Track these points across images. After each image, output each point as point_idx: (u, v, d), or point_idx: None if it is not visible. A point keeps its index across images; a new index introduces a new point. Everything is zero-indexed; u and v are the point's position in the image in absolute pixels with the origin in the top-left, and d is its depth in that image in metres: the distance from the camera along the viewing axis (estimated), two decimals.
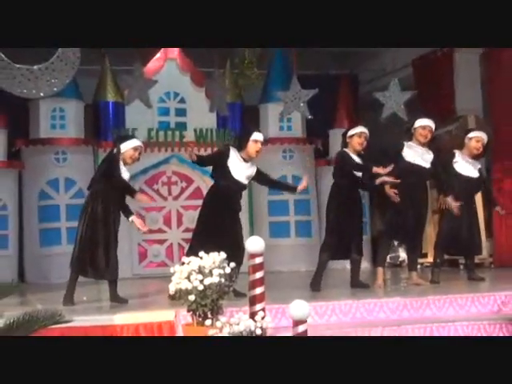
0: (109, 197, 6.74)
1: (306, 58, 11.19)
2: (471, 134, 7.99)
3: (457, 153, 7.91)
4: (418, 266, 8.27)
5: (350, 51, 12.89)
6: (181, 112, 11.16)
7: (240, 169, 6.90)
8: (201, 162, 7.11)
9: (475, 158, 7.93)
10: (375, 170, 7.13)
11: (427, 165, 7.51)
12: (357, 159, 7.38)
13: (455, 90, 11.00)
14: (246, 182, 7.02)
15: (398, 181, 7.23)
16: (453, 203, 7.55)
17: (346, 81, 12.21)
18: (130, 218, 6.80)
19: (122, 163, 6.81)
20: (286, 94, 9.96)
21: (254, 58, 9.84)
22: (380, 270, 7.52)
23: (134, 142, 6.97)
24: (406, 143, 7.54)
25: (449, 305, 6.17)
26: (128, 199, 6.97)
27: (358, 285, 7.32)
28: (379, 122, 8.95)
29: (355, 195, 7.47)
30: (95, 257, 6.64)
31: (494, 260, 10.09)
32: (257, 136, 7.00)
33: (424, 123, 7.58)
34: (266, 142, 11.21)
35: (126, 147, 6.85)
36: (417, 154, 7.49)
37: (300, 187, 7.30)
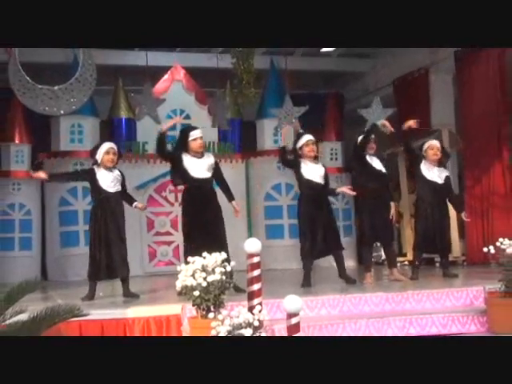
0: (105, 205, 6.71)
1: (297, 79, 11.23)
2: (424, 146, 7.87)
3: (423, 160, 7.85)
4: (398, 264, 8.26)
5: (337, 73, 12.96)
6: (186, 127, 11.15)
7: (196, 166, 6.72)
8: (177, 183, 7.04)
9: (440, 164, 7.86)
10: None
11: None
12: (308, 167, 7.25)
13: (431, 106, 11.02)
14: (208, 174, 6.79)
15: (354, 193, 7.47)
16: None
17: (333, 99, 12.23)
18: (134, 205, 6.88)
19: (103, 171, 6.73)
20: (280, 110, 9.98)
21: (251, 78, 9.83)
22: (368, 274, 7.49)
23: (107, 145, 6.86)
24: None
25: (426, 299, 6.15)
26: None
27: (346, 278, 7.22)
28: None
29: (318, 198, 7.25)
30: (106, 259, 6.62)
31: (467, 258, 10.08)
32: (193, 134, 6.80)
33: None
34: (262, 153, 11.33)
35: (100, 155, 6.77)
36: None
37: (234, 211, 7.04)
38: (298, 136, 7.51)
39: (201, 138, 6.84)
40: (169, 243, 10.88)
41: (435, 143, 7.87)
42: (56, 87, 7.65)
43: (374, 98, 9.11)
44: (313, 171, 7.22)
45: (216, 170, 6.92)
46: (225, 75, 10.43)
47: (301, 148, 7.31)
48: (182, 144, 6.87)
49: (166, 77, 11.14)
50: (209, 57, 10.89)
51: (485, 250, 5.83)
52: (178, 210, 10.82)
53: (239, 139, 11.45)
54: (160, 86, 10.97)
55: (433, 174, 7.74)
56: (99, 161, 6.75)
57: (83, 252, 8.08)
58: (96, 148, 6.94)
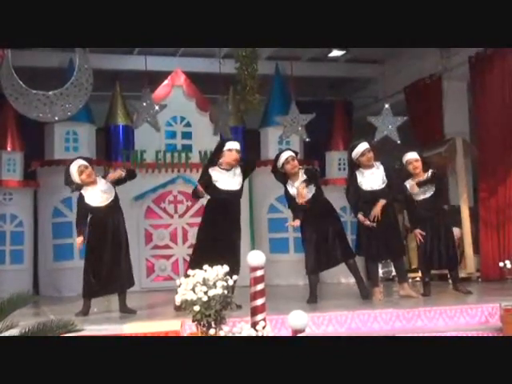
0: (100, 221, 6.74)
1: (303, 85, 11.24)
2: (404, 160, 7.77)
3: (407, 184, 7.71)
4: (410, 280, 8.23)
5: (345, 79, 12.99)
6: (187, 135, 11.19)
7: (226, 180, 6.86)
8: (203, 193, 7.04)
9: (430, 182, 7.70)
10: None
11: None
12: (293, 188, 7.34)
13: (444, 114, 11.03)
14: (237, 187, 6.94)
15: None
16: (417, 233, 7.65)
17: (341, 106, 12.24)
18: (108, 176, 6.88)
19: (88, 189, 6.76)
20: (285, 118, 9.99)
21: (255, 84, 9.85)
22: (376, 289, 7.46)
23: (75, 165, 6.86)
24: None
25: (439, 316, 6.13)
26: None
27: (361, 289, 7.32)
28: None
29: (317, 209, 7.33)
30: (99, 276, 6.65)
31: (482, 274, 10.05)
32: (230, 145, 6.98)
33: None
34: (266, 163, 11.32)
35: (76, 178, 6.79)
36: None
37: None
38: (277, 156, 7.58)
39: (237, 151, 6.98)
40: (168, 257, 10.86)
41: (411, 156, 7.77)
42: (50, 92, 7.64)
43: (383, 105, 9.16)
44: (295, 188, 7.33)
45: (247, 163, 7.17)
46: (227, 81, 10.45)
47: (282, 167, 7.43)
48: (216, 155, 7.03)
49: (165, 82, 11.16)
50: (211, 61, 10.92)
51: (501, 264, 5.83)
52: (177, 223, 10.89)
53: (242, 148, 11.41)
54: (160, 91, 10.99)
55: (420, 193, 7.69)
56: (80, 183, 6.78)
57: (77, 266, 8.07)
58: (67, 171, 6.93)
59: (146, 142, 10.67)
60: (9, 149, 10.49)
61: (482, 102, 10.13)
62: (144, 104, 9.80)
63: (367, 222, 7.24)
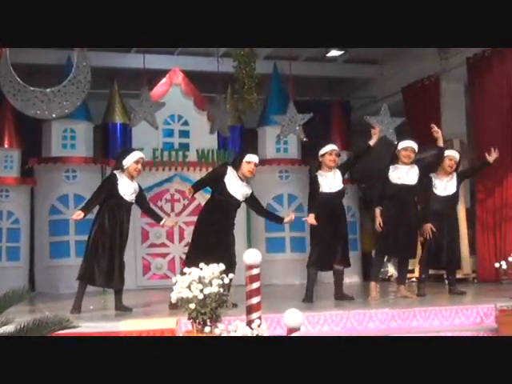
0: (115, 212, 6.75)
1: (301, 85, 11.25)
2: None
3: (433, 176, 7.89)
4: (406, 281, 8.26)
5: (343, 79, 13.01)
6: (184, 134, 11.20)
7: (235, 186, 6.92)
8: (200, 188, 7.12)
9: (449, 174, 7.92)
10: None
11: (414, 181, 7.51)
12: (326, 180, 7.36)
13: (441, 115, 11.05)
14: (240, 198, 7.01)
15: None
16: (428, 230, 7.63)
17: (339, 106, 12.27)
18: (161, 222, 7.09)
19: (125, 178, 6.82)
20: (283, 117, 10.00)
21: (253, 83, 9.86)
22: (373, 284, 7.49)
23: (137, 154, 6.97)
24: (391, 167, 7.55)
25: (434, 316, 6.15)
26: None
27: (343, 297, 7.31)
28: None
29: (337, 208, 7.41)
30: (102, 267, 6.65)
31: (477, 275, 10.09)
32: (250, 158, 7.02)
33: (405, 145, 7.60)
34: (263, 162, 11.33)
35: (129, 162, 6.85)
36: (403, 174, 7.49)
37: (287, 219, 7.30)
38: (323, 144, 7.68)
39: (255, 164, 7.06)
40: (164, 255, 10.88)
41: (453, 154, 7.96)
42: (48, 90, 7.64)
43: (381, 105, 9.17)
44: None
45: (252, 199, 7.19)
46: (226, 80, 10.46)
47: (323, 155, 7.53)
48: (235, 160, 7.15)
49: (163, 80, 11.17)
50: (209, 60, 10.92)
51: (496, 265, 5.86)
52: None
53: (240, 147, 11.46)
54: (158, 90, 11.00)
55: (445, 187, 7.80)
56: (125, 167, 6.82)
57: (74, 263, 8.10)
58: (124, 153, 7.03)
59: (143, 140, 10.67)
60: (6, 146, 10.50)
61: (480, 103, 10.15)
62: (142, 102, 9.81)
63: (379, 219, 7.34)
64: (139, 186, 6.98)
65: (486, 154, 8.03)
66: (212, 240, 6.70)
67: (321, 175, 7.40)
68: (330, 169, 7.41)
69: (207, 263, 4.95)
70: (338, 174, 7.44)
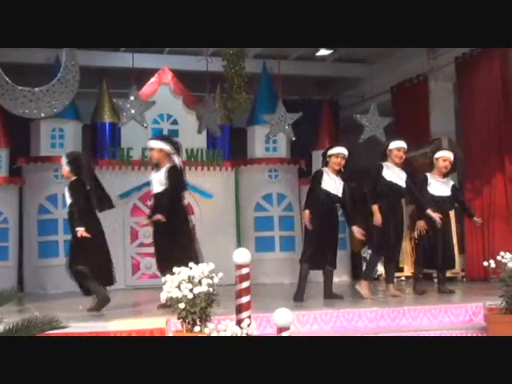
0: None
1: (290, 84, 11.26)
2: (438, 154, 8.00)
3: (428, 175, 7.92)
4: (395, 279, 8.28)
5: (332, 78, 13.02)
6: (173, 133, 11.12)
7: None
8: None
9: (445, 175, 7.96)
10: None
11: (403, 184, 7.53)
12: (330, 179, 7.38)
13: (430, 114, 11.09)
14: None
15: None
16: (433, 215, 7.57)
17: (328, 106, 12.27)
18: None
19: None
20: (272, 116, 10.01)
21: (242, 83, 9.87)
22: (366, 283, 7.48)
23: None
24: (384, 164, 7.55)
25: (423, 315, 6.17)
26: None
27: (332, 296, 7.31)
28: (358, 144, 9.03)
29: (334, 210, 7.47)
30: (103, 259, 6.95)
31: (466, 274, 10.13)
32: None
33: (398, 145, 7.60)
34: (252, 161, 11.33)
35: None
36: (394, 174, 7.51)
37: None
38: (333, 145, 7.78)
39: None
40: (153, 255, 10.82)
41: (448, 154, 8.00)
42: (37, 89, 7.60)
43: (370, 104, 9.20)
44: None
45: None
46: (215, 79, 10.45)
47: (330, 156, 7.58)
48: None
49: (152, 79, 11.14)
50: (198, 59, 10.91)
51: (485, 264, 5.87)
52: None
53: (229, 146, 11.46)
54: (147, 89, 10.97)
55: (440, 187, 7.82)
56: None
57: (63, 263, 8.03)
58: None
59: (132, 140, 10.64)
60: None
61: (468, 103, 10.19)
62: (131, 101, 9.79)
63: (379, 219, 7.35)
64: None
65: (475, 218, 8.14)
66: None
67: (326, 172, 7.42)
68: (334, 171, 7.42)
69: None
70: (341, 183, 7.46)
